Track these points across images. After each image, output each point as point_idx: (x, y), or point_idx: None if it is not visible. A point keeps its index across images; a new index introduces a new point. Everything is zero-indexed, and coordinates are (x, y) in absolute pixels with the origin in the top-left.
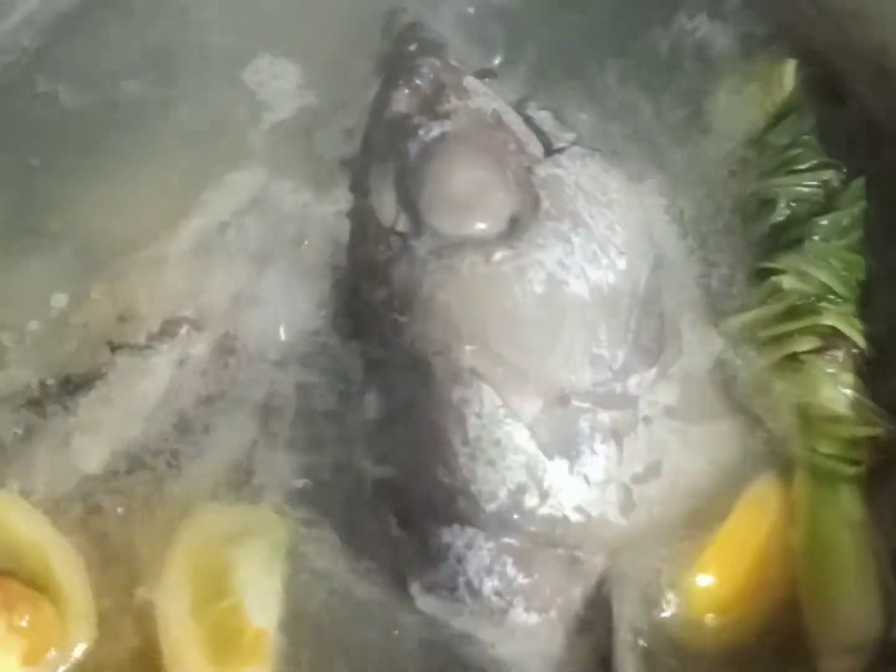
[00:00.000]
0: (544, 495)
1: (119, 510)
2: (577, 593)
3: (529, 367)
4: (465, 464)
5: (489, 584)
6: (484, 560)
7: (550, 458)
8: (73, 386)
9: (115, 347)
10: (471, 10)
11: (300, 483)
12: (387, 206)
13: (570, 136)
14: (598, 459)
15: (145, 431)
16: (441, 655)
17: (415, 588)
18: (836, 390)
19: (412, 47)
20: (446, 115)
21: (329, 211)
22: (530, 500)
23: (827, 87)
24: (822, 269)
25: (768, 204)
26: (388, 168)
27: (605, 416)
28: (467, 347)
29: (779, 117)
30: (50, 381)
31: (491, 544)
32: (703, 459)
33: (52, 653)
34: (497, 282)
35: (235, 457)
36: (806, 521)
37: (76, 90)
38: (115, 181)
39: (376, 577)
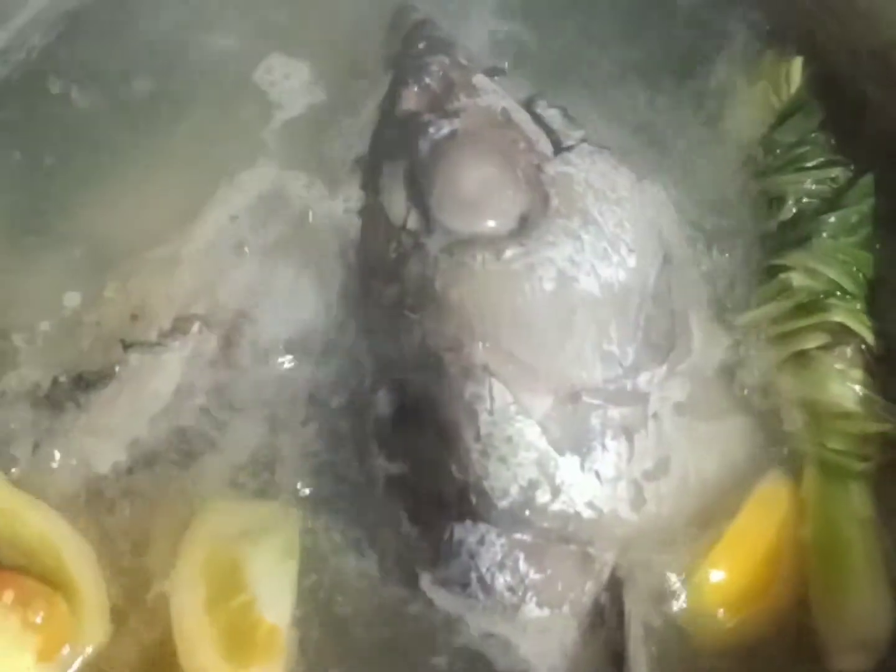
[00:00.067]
0: (556, 491)
1: (132, 506)
2: (588, 588)
3: (540, 364)
4: (477, 460)
5: (501, 580)
6: (496, 556)
7: (562, 454)
8: (85, 383)
9: (127, 345)
10: (480, 7)
11: (312, 479)
12: (397, 204)
13: (579, 133)
14: (609, 456)
15: (158, 428)
16: (453, 650)
17: (427, 584)
18: (845, 386)
19: (421, 45)
20: (456, 114)
21: (340, 209)
22: (542, 497)
23: (834, 84)
24: (831, 266)
25: (776, 201)
26: (399, 166)
27: (615, 413)
28: (479, 344)
29: (786, 115)
30: (62, 379)
31: (503, 540)
32: (712, 456)
33: (67, 649)
34: (508, 279)
35: (248, 453)
36: (815, 517)
37: (88, 90)
38: (127, 181)
39: (389, 572)
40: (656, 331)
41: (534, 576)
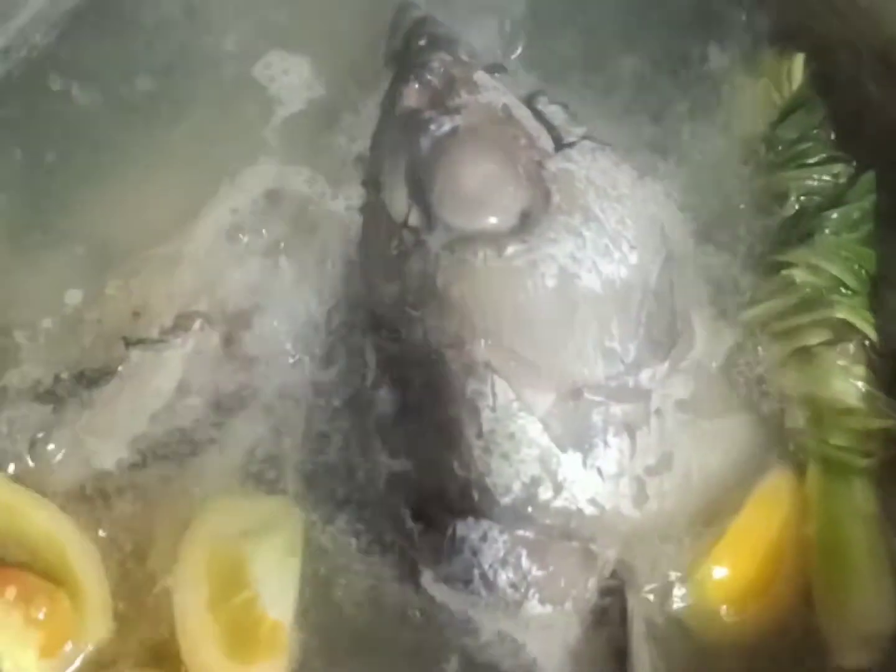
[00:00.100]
0: (558, 488)
1: (134, 503)
2: (591, 585)
3: (542, 361)
4: (480, 457)
5: (504, 577)
6: (498, 552)
7: (564, 451)
8: (87, 381)
9: (129, 343)
10: (481, 4)
11: (314, 476)
12: (398, 201)
13: (581, 130)
14: (611, 452)
15: (160, 425)
16: (455, 647)
17: (429, 580)
18: (848, 382)
19: (422, 42)
20: (457, 110)
21: (342, 206)
22: (544, 493)
23: (836, 81)
24: (833, 263)
25: (779, 198)
26: (400, 163)
27: (617, 410)
28: (481, 341)
29: (788, 112)
30: (64, 376)
31: (505, 537)
32: (715, 452)
33: (69, 645)
34: (510, 276)
35: (250, 450)
36: (818, 513)
37: (89, 88)
38: (128, 178)
39: (391, 569)
40: (658, 327)
41: (536, 572)
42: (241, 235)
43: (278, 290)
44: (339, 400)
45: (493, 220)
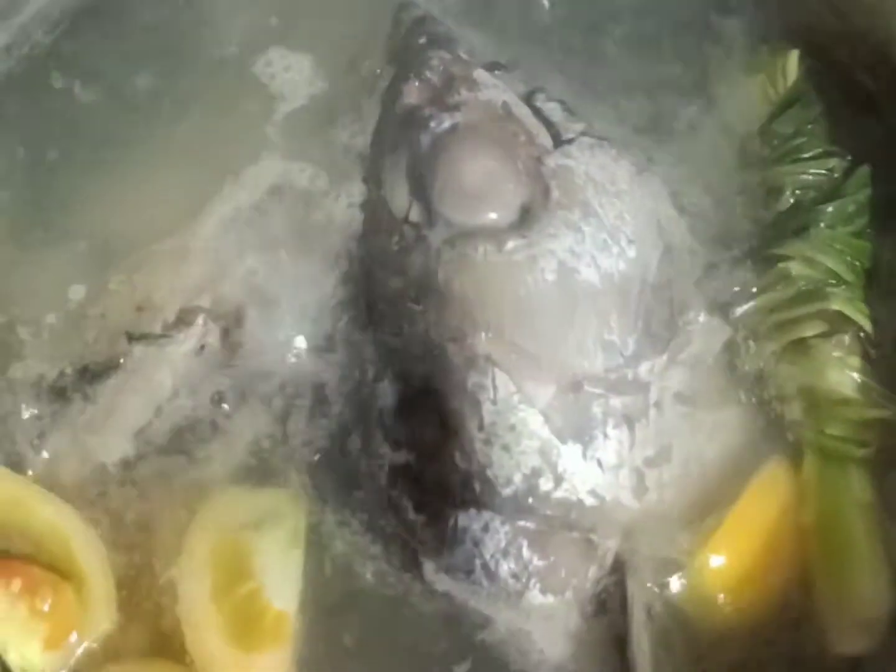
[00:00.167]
0: (559, 479)
1: (138, 496)
2: (591, 575)
3: (543, 354)
4: (481, 449)
5: (505, 567)
6: (500, 543)
7: (564, 442)
8: (91, 375)
9: (131, 337)
10: (479, 2)
11: (318, 468)
12: (399, 197)
13: (579, 126)
14: (611, 444)
15: (163, 419)
16: (458, 637)
17: (431, 571)
18: (844, 373)
19: (422, 41)
20: (457, 107)
21: (343, 202)
22: (545, 484)
23: (831, 76)
24: (829, 255)
25: (775, 192)
26: (400, 159)
27: (617, 402)
28: (482, 335)
29: (783, 107)
30: (68, 371)
31: (507, 527)
32: (713, 443)
33: (74, 636)
34: (510, 270)
35: (253, 443)
36: (816, 502)
37: (91, 85)
38: (131, 175)
39: (393, 560)
40: (656, 321)
41: (537, 562)
42: (243, 231)
43: (280, 285)
44: (342, 393)
45: (493, 215)
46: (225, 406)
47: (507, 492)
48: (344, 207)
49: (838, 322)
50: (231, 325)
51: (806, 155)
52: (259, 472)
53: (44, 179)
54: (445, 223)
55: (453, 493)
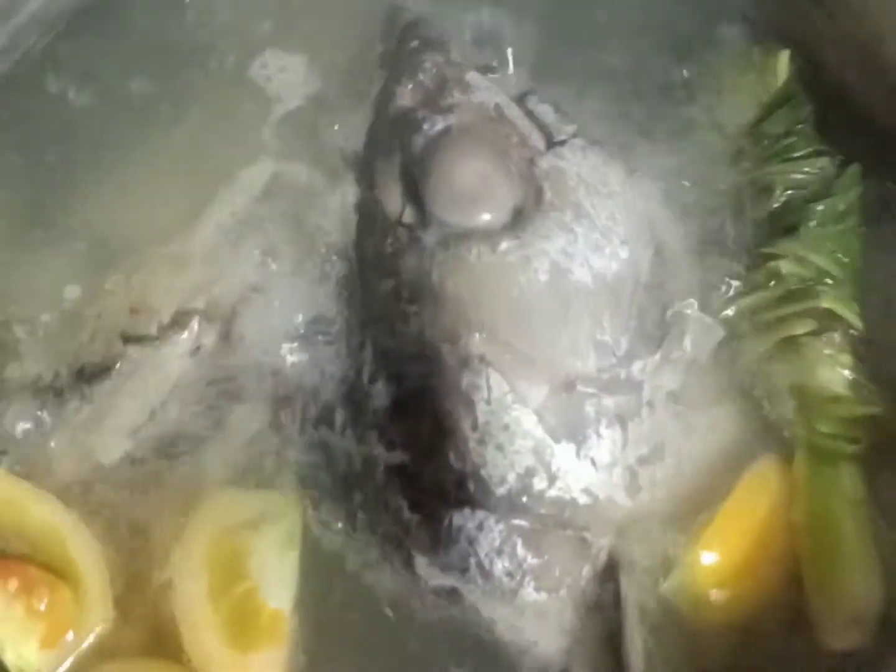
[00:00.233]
0: (552, 478)
1: (135, 496)
2: (585, 572)
3: (536, 354)
4: (475, 448)
5: (500, 565)
6: (494, 542)
7: (558, 442)
8: (87, 375)
9: (127, 339)
10: (472, 6)
11: (313, 469)
12: (393, 199)
13: (571, 128)
14: (604, 443)
15: (159, 420)
16: (453, 635)
17: (426, 570)
18: (834, 371)
19: (414, 44)
20: (450, 110)
21: (339, 202)
22: (539, 483)
23: (821, 77)
24: (819, 254)
25: (765, 191)
26: (394, 161)
27: (610, 401)
28: (476, 335)
29: (774, 107)
30: (64, 371)
31: (501, 526)
32: (705, 441)
33: (70, 635)
34: (503, 271)
35: (248, 444)
36: (807, 498)
37: (86, 90)
38: (128, 177)
39: (388, 559)
40: (649, 320)
41: (531, 560)
42: (238, 232)
43: (276, 287)
44: (337, 393)
45: (486, 216)
46: (220, 407)
47: (501, 491)
48: (339, 208)
49: (828, 320)
50: (226, 326)
51: (796, 154)
52: (255, 472)
53: (41, 180)
54: (439, 224)
55: (448, 492)
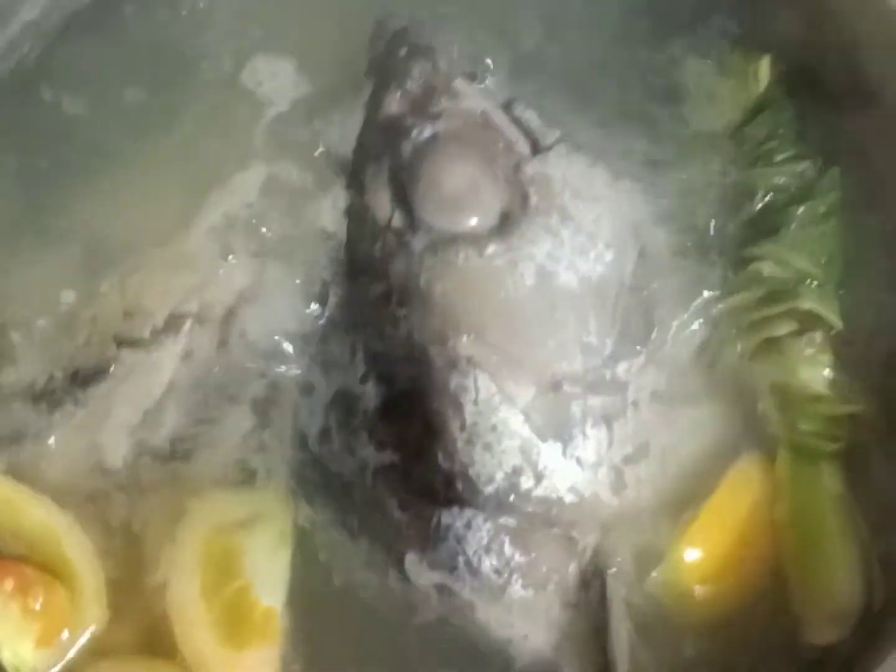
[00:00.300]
0: (539, 477)
1: (129, 498)
2: (572, 570)
3: (523, 355)
4: (463, 448)
5: (488, 563)
6: (482, 540)
7: (544, 441)
8: (81, 379)
9: (120, 342)
10: (459, 13)
11: (304, 469)
12: (382, 204)
13: (556, 134)
14: (590, 442)
15: (153, 422)
16: (443, 632)
17: (416, 568)
18: (815, 370)
19: (402, 52)
20: (437, 116)
21: (329, 207)
22: (526, 482)
23: (802, 81)
24: (800, 256)
25: (747, 194)
26: (383, 167)
27: (595, 401)
28: (463, 337)
29: (755, 111)
30: (59, 374)
31: (489, 525)
32: (689, 440)
33: (66, 634)
34: (491, 274)
35: (241, 445)
36: (789, 496)
37: (79, 98)
38: (122, 181)
39: (378, 557)
40: (634, 322)
41: (519, 558)
42: (230, 236)
43: (268, 290)
44: (327, 395)
45: (473, 221)
46: (213, 409)
47: (489, 490)
48: (329, 213)
49: (810, 320)
50: (219, 329)
51: (778, 158)
52: (247, 473)
53: (36, 186)
54: (427, 229)
55: (437, 491)
